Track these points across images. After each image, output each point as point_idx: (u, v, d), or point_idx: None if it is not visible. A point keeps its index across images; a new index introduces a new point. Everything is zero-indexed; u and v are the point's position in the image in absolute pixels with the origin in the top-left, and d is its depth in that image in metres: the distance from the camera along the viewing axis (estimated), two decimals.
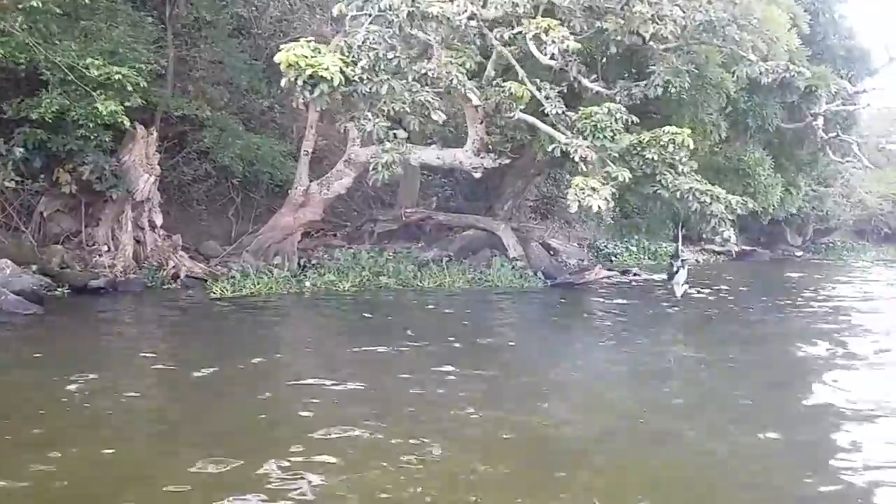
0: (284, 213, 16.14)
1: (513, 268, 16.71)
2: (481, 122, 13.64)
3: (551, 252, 20.37)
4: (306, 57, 9.01)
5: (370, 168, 11.18)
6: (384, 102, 9.76)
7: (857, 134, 18.14)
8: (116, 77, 12.11)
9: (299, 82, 9.07)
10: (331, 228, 18.51)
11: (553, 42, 9.80)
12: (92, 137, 12.94)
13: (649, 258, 22.94)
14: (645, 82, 11.95)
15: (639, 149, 11.06)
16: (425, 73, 10.05)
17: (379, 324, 11.81)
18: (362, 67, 9.49)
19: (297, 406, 7.09)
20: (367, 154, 14.60)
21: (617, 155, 10.94)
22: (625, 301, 15.32)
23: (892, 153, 34.52)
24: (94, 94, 12.29)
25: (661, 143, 10.93)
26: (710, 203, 10.82)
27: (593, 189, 9.86)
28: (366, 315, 12.61)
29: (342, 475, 5.39)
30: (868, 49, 18.50)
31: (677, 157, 11.03)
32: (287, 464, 5.49)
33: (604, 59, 12.66)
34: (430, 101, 9.95)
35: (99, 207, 14.36)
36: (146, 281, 13.90)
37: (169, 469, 5.37)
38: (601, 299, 15.34)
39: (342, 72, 9.18)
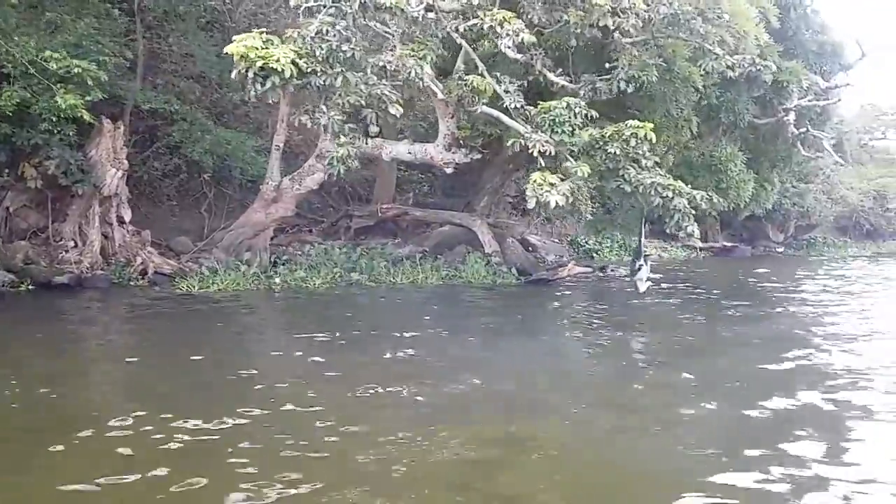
0: (256, 209, 15.99)
1: (487, 264, 16.61)
2: (452, 117, 13.55)
3: (530, 248, 20.28)
4: (257, 48, 8.90)
5: (325, 163, 11.09)
6: (339, 95, 9.65)
7: (831, 129, 18.11)
8: (76, 70, 11.98)
9: (250, 74, 8.97)
10: (306, 224, 18.37)
11: (508, 35, 9.71)
12: (56, 131, 12.82)
13: (629, 254, 22.86)
14: (609, 76, 11.87)
15: (602, 143, 10.97)
16: (384, 66, 9.94)
17: (338, 319, 11.66)
18: (316, 59, 9.36)
19: (236, 395, 6.99)
20: None
21: (579, 150, 10.86)
22: (590, 296, 15.30)
23: (875, 150, 34.76)
24: (55, 87, 12.16)
25: (624, 137, 10.85)
26: (673, 198, 10.74)
27: (551, 185, 9.78)
28: (330, 311, 12.49)
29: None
30: (841, 44, 18.42)
31: (640, 152, 10.96)
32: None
33: (572, 53, 12.60)
34: (387, 95, 9.85)
35: (66, 203, 14.22)
36: (113, 277, 13.79)
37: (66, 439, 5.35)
38: (569, 293, 15.30)
39: (295, 64, 9.07)
